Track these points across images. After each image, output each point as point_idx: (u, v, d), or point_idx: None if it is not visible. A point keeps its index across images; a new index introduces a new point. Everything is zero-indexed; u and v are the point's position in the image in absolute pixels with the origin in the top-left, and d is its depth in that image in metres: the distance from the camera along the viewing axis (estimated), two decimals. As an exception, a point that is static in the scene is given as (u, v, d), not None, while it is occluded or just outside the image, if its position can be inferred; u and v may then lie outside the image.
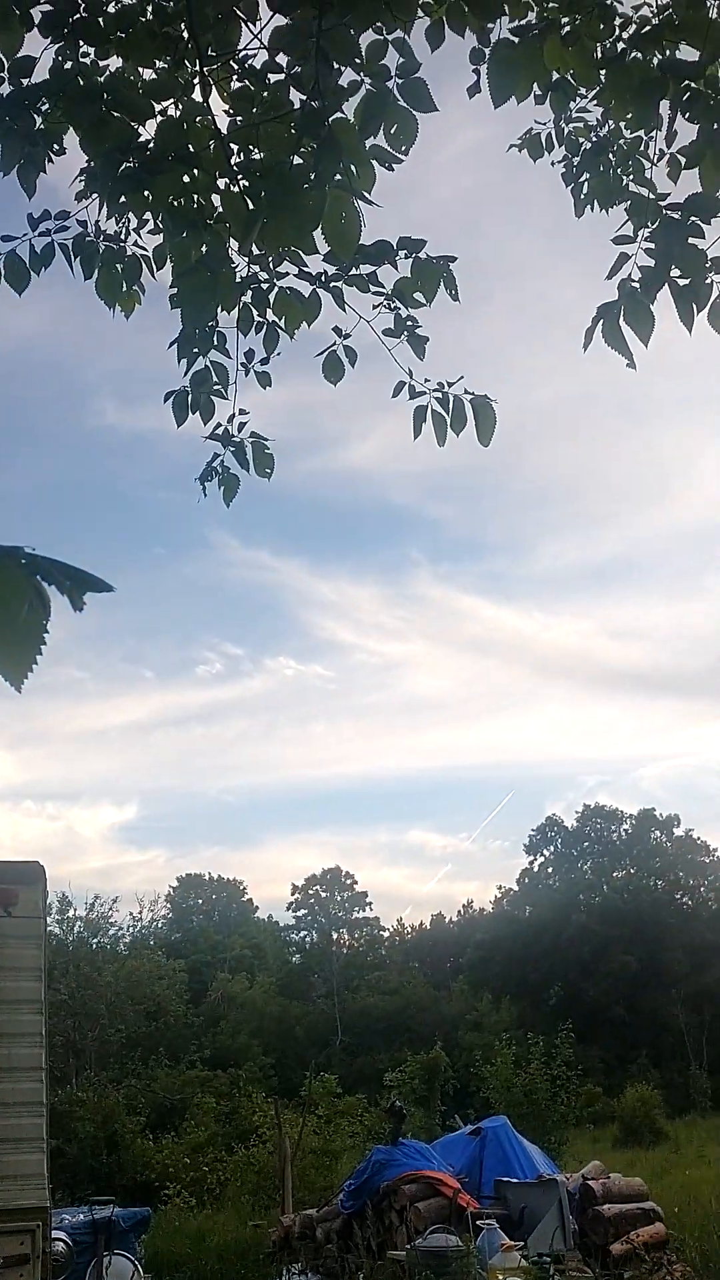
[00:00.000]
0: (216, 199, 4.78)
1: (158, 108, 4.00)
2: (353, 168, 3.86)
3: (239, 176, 4.33)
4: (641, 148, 5.16)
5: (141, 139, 4.39)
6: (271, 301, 4.96)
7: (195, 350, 5.13)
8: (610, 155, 5.83)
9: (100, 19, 4.43)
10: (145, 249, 5.20)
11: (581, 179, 5.95)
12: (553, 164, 6.09)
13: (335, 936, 67.56)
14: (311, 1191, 16.66)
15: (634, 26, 4.31)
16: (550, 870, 68.26)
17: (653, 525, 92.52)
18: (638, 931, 59.33)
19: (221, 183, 3.91)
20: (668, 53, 4.43)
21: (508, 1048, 22.90)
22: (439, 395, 4.88)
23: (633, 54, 4.16)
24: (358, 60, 3.62)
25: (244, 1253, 13.76)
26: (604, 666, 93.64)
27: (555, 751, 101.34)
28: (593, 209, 6.02)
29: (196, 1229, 15.84)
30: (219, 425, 5.33)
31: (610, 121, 5.77)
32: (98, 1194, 13.83)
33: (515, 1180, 10.98)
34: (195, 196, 4.62)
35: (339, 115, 3.61)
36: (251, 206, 3.79)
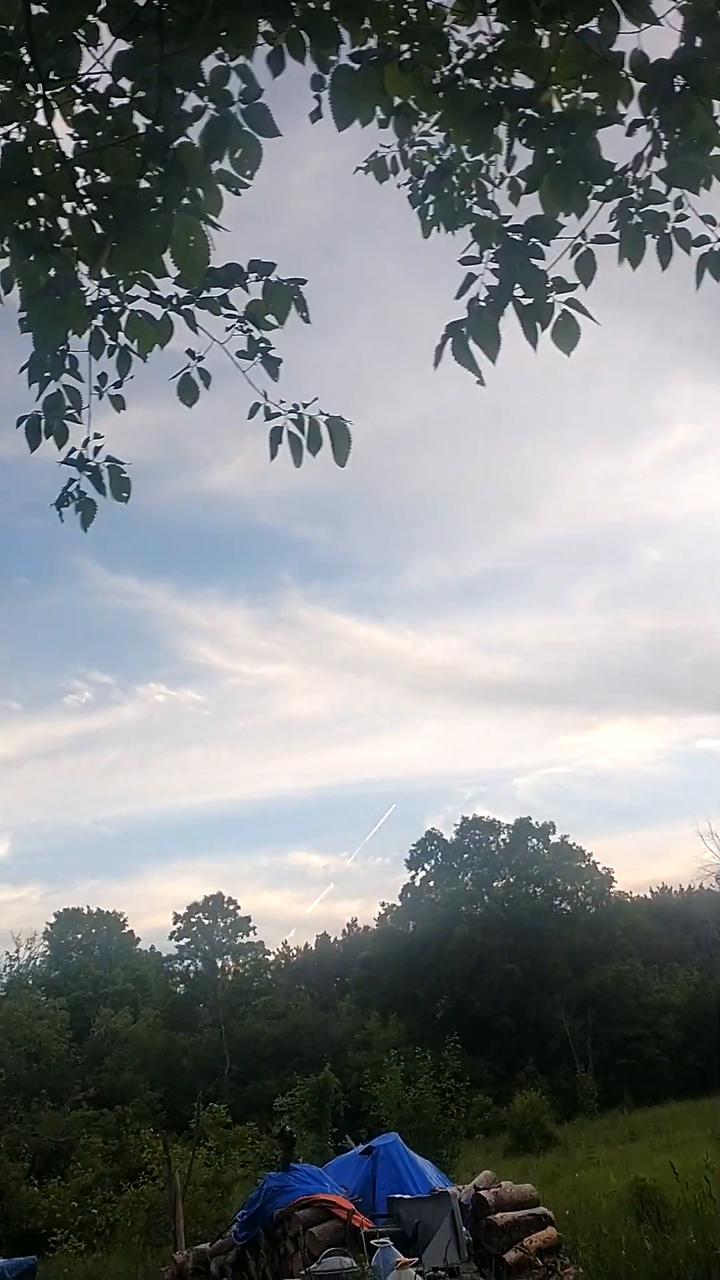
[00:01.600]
0: (63, 222, 4.74)
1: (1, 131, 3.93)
2: (199, 192, 3.87)
3: (85, 200, 4.29)
4: (483, 171, 5.27)
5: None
6: (123, 324, 4.92)
7: (47, 375, 5.05)
8: (453, 178, 5.96)
9: (-65, 42, 4.36)
10: (-10, 273, 5.13)
11: (427, 201, 6.07)
12: (399, 186, 6.20)
13: (220, 964, 66.87)
14: (204, 1225, 16.43)
15: (470, 54, 4.41)
16: (432, 884, 68.74)
17: (518, 540, 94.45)
18: (520, 940, 60.15)
19: (69, 207, 3.85)
20: (504, 80, 4.54)
21: (396, 1064, 22.94)
22: (294, 416, 4.90)
23: (468, 81, 4.25)
24: (200, 85, 3.63)
25: (137, 1294, 13.47)
26: (476, 681, 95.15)
27: (432, 766, 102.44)
28: (439, 230, 6.15)
29: (86, 1275, 15.46)
30: (73, 450, 5.26)
31: (452, 146, 5.91)
32: (-19, 1246, 13.40)
33: (408, 1196, 10.99)
34: (42, 220, 4.57)
35: (184, 140, 3.61)
36: (99, 230, 3.76)
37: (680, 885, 74.64)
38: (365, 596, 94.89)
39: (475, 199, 5.68)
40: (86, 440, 5.22)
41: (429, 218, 6.11)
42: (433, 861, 69.54)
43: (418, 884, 69.39)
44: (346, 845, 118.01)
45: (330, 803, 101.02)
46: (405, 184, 6.10)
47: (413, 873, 69.87)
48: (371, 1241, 8.73)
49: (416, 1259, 8.59)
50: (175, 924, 68.21)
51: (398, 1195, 11.02)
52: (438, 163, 5.99)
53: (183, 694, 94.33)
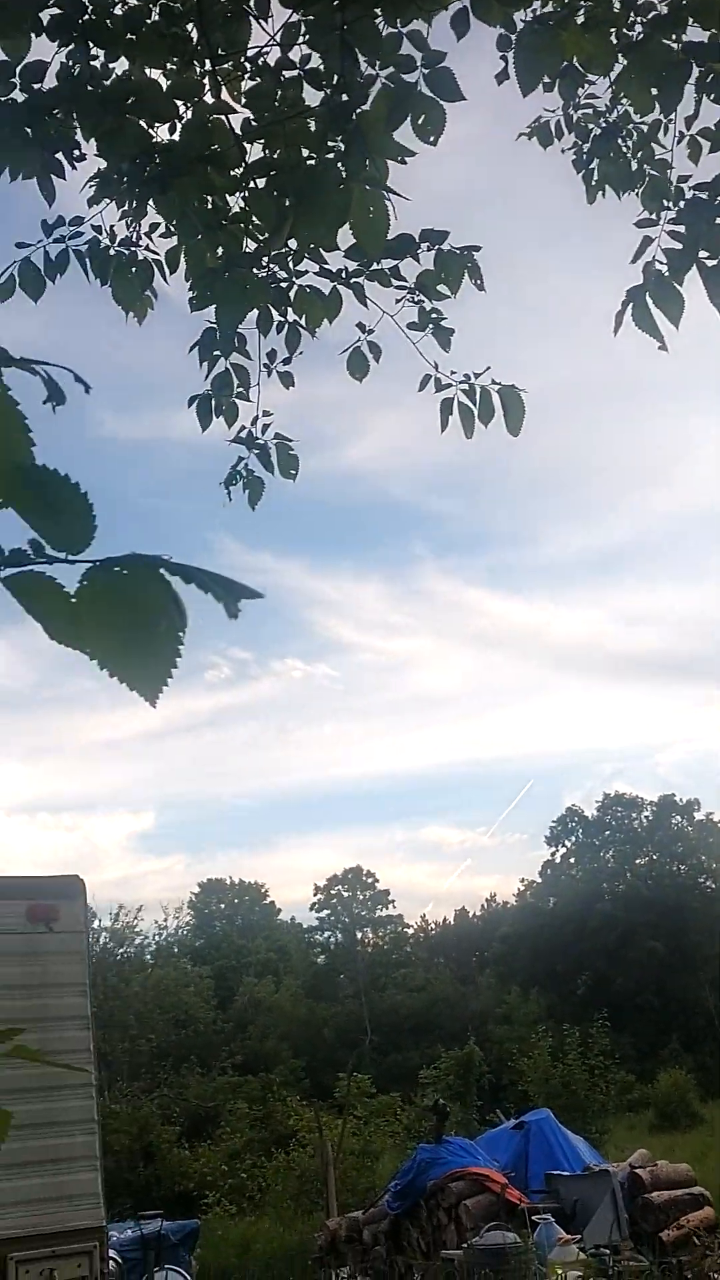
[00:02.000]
0: (232, 200, 4.75)
1: (180, 107, 3.94)
2: (378, 162, 3.82)
3: (255, 176, 4.29)
4: (660, 131, 5.09)
5: (158, 142, 4.36)
6: (292, 300, 4.91)
7: (217, 353, 5.09)
8: (620, 141, 5.80)
9: (108, 21, 4.39)
10: (157, 253, 5.18)
11: (592, 165, 5.92)
12: (562, 151, 6.06)
13: (359, 936, 67.54)
14: (354, 1194, 16.61)
15: (651, 11, 4.26)
16: (572, 860, 68.15)
17: (660, 509, 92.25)
18: (663, 917, 59.24)
19: (254, 183, 3.84)
20: (685, 36, 4.38)
21: (544, 1039, 22.84)
22: (465, 387, 4.83)
23: (653, 38, 4.11)
24: (380, 53, 3.58)
25: (291, 1259, 13.71)
26: (616, 654, 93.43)
27: (571, 742, 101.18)
28: (604, 194, 5.99)
29: (240, 1237, 15.80)
30: (242, 428, 5.30)
31: (620, 106, 5.74)
32: (137, 1207, 13.79)
33: (566, 1173, 10.93)
34: (211, 198, 4.59)
35: (364, 109, 3.57)
36: (277, 206, 3.75)
37: None
38: (500, 569, 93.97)
39: (645, 160, 5.53)
40: (255, 418, 5.26)
41: (594, 182, 5.97)
42: (573, 838, 68.90)
43: (558, 860, 68.89)
44: (483, 821, 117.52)
45: (466, 778, 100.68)
46: (570, 148, 5.97)
47: (553, 849, 69.39)
48: (533, 1217, 8.71)
49: (578, 1236, 8.55)
50: (315, 895, 69.20)
51: (556, 1172, 10.97)
52: (604, 125, 5.84)
53: (317, 669, 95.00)
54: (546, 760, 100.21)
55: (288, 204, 3.65)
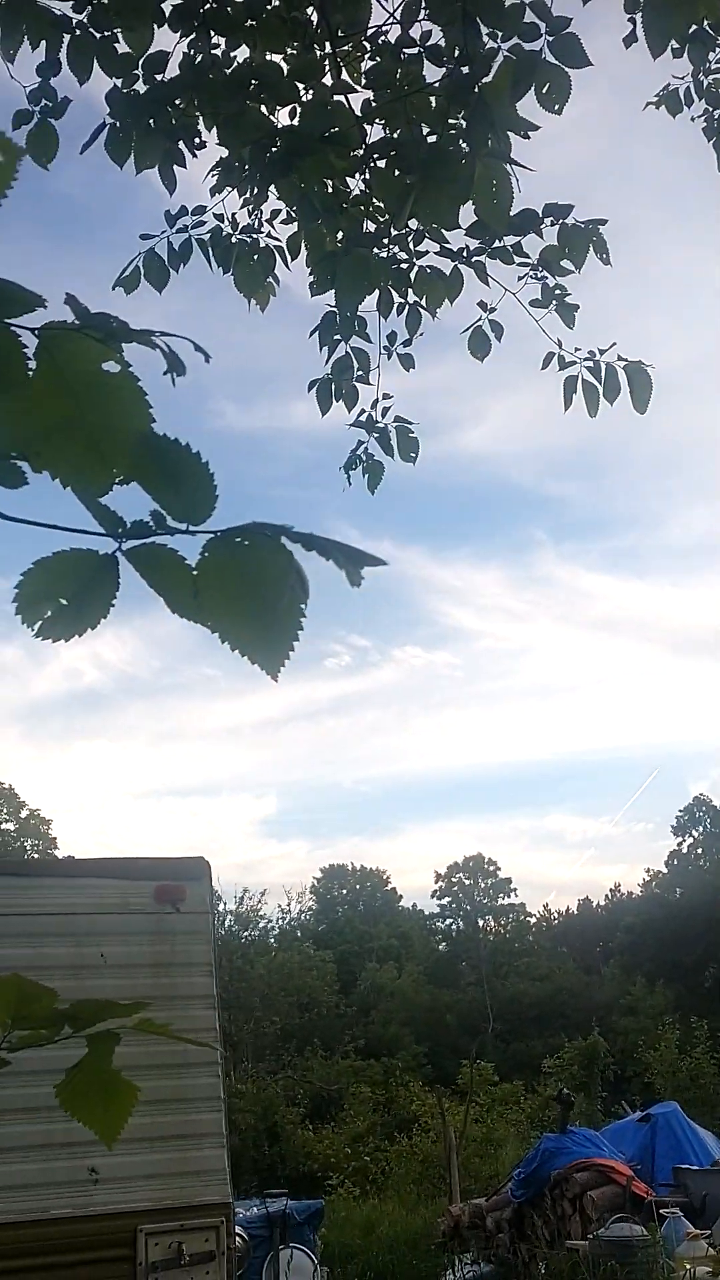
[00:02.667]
0: (353, 182, 4.72)
1: (301, 90, 3.93)
2: (501, 136, 3.75)
3: (375, 156, 4.25)
4: None
5: (279, 126, 4.36)
6: (412, 281, 4.87)
7: (337, 337, 5.08)
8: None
9: (229, 8, 4.40)
10: (279, 239, 5.18)
11: (724, 132, 5.75)
12: (692, 119, 5.90)
13: (481, 923, 67.36)
14: (476, 1180, 16.59)
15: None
16: (700, 851, 66.83)
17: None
18: None
19: (375, 163, 3.81)
20: None
21: (671, 1031, 22.46)
22: (590, 365, 4.73)
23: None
24: (504, 23, 3.51)
25: (414, 1243, 13.73)
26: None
27: (696, 729, 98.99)
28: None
29: (364, 1219, 15.89)
30: (362, 412, 5.28)
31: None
32: (262, 1186, 13.96)
33: (695, 1167, 10.73)
34: (332, 181, 4.57)
35: (487, 80, 3.50)
36: (404, 182, 3.71)
37: None
38: (622, 553, 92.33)
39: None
40: (375, 401, 5.23)
41: (725, 149, 5.79)
42: (700, 828, 67.56)
43: (685, 850, 67.63)
44: (606, 809, 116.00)
45: (588, 766, 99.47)
46: (700, 116, 5.80)
47: (679, 839, 68.15)
48: (661, 1211, 8.57)
49: (708, 1231, 8.38)
50: (436, 883, 69.21)
51: (684, 1166, 10.78)
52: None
53: (437, 656, 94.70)
54: (672, 748, 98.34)
55: (409, 183, 3.60)
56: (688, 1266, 7.24)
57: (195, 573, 1.07)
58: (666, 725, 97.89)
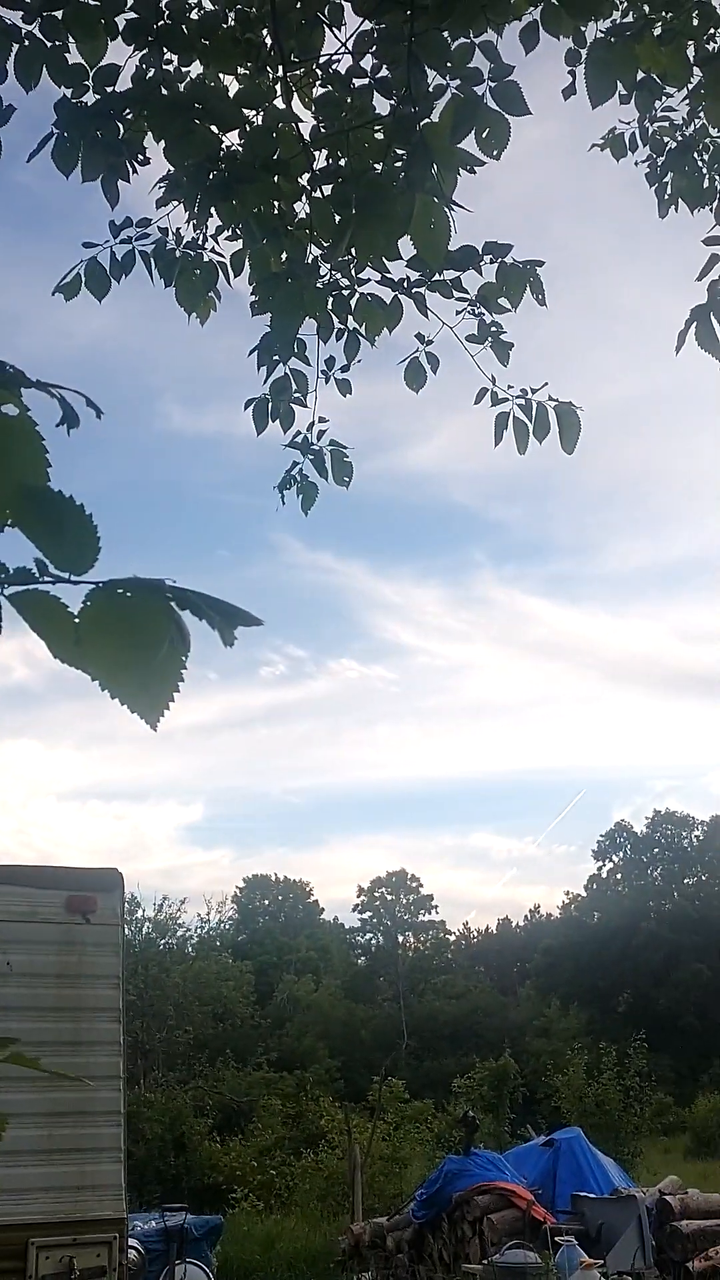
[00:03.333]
0: (298, 206, 4.76)
1: (247, 115, 3.95)
2: (441, 173, 3.81)
3: (321, 184, 4.29)
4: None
5: (225, 147, 4.38)
6: (353, 308, 4.91)
7: (276, 358, 5.10)
8: (696, 155, 5.74)
9: (184, 26, 4.42)
10: (223, 256, 5.20)
11: (666, 179, 5.87)
12: (636, 164, 6.02)
13: (401, 939, 67.48)
14: (380, 1199, 16.60)
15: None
16: (619, 876, 67.59)
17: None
18: (710, 939, 58.50)
19: (319, 190, 3.84)
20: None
21: (580, 1056, 22.66)
22: (521, 403, 4.80)
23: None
24: (448, 64, 3.56)
25: (314, 1260, 13.72)
26: (673, 669, 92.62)
27: (623, 756, 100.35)
28: (676, 209, 5.94)
29: (265, 1234, 15.83)
30: (298, 433, 5.30)
31: (697, 120, 5.68)
32: (166, 1196, 13.85)
33: (593, 1195, 10.82)
34: (278, 204, 4.60)
35: (429, 120, 3.55)
36: (339, 214, 3.75)
37: None
38: (561, 579, 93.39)
39: None
40: (311, 424, 5.26)
41: (667, 196, 5.92)
42: (621, 854, 68.34)
43: (604, 875, 68.34)
44: (531, 830, 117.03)
45: (516, 787, 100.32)
46: (644, 161, 5.93)
47: (600, 863, 68.87)
48: (556, 1238, 8.65)
49: (601, 1261, 8.46)
50: (359, 897, 69.24)
51: (583, 1193, 10.87)
52: (680, 138, 5.79)
53: (373, 670, 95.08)
54: (598, 774, 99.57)
55: (349, 214, 3.64)
56: (579, 1294, 7.33)
57: (77, 620, 1.09)
58: (594, 751, 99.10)
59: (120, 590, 1.07)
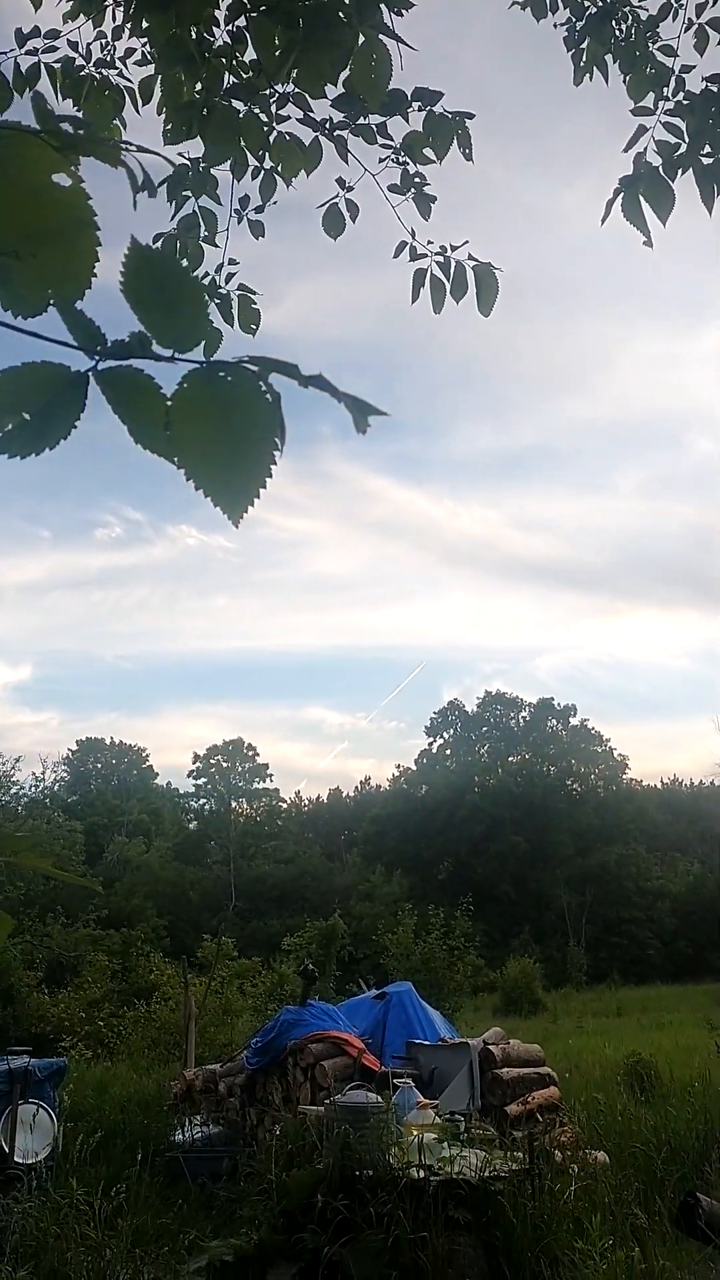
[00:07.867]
0: (220, 32, 4.51)
1: None
2: (387, 9, 3.66)
3: (258, 7, 4.07)
4: (669, 16, 4.96)
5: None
6: (270, 146, 4.72)
7: (186, 193, 4.89)
8: (615, 24, 5.64)
9: None
10: (131, 82, 4.93)
11: (583, 45, 5.76)
12: (554, 26, 5.87)
13: (234, 805, 68.43)
14: (211, 1048, 17.07)
15: None
16: (449, 752, 69.71)
17: (567, 416, 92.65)
18: (529, 814, 61.22)
19: (260, 11, 3.65)
20: None
21: (410, 917, 23.62)
22: (440, 260, 4.72)
23: None
24: None
25: (146, 1104, 14.07)
26: (509, 556, 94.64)
27: (456, 638, 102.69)
28: (590, 78, 5.84)
29: (97, 1080, 16.15)
30: (205, 274, 5.11)
31: (623, -16, 5.57)
32: (-1, 1045, 13.93)
33: (427, 1043, 11.38)
34: (198, 29, 4.35)
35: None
36: (282, 39, 3.57)
37: (691, 779, 75.49)
38: (405, 459, 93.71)
39: (640, 46, 5.39)
40: (220, 265, 5.08)
41: (582, 63, 5.82)
42: (452, 731, 70.39)
43: (434, 751, 70.41)
44: (363, 706, 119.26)
45: (351, 663, 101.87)
46: (563, 24, 5.79)
47: (431, 739, 70.86)
48: (395, 1081, 9.09)
49: (436, 1102, 8.95)
50: (194, 763, 69.76)
51: (417, 1040, 11.41)
52: (601, 4, 5.68)
53: (214, 539, 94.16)
54: (432, 653, 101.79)
55: (290, 40, 3.48)
56: (415, 1131, 7.73)
57: (170, 404, 1.04)
58: (428, 632, 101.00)
59: (223, 374, 1.03)
